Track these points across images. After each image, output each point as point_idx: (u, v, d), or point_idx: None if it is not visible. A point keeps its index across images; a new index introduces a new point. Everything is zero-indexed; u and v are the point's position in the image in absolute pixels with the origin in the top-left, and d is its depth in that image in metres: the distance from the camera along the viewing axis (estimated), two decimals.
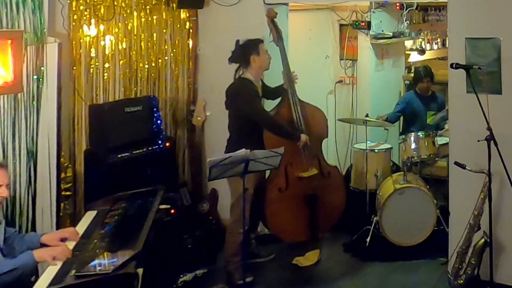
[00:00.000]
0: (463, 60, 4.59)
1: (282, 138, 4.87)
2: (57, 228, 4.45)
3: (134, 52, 5.39)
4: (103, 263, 3.19)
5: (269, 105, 5.32)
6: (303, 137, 5.03)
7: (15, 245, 3.62)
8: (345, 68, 6.85)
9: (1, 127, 4.29)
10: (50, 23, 4.56)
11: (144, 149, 5.03)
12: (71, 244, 3.57)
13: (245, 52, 4.98)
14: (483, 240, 4.47)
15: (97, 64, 5.06)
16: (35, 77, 4.44)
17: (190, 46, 5.95)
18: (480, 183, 4.43)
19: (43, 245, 3.57)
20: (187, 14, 5.88)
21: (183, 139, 5.94)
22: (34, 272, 3.44)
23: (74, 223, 4.36)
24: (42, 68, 4.48)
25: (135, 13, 5.38)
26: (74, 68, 4.90)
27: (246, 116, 4.88)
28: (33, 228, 4.45)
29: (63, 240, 3.63)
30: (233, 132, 4.99)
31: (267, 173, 5.15)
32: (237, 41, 5.06)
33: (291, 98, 5.14)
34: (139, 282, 3.23)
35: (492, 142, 4.25)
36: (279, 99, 5.27)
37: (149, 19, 5.52)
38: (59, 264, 3.30)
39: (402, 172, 5.65)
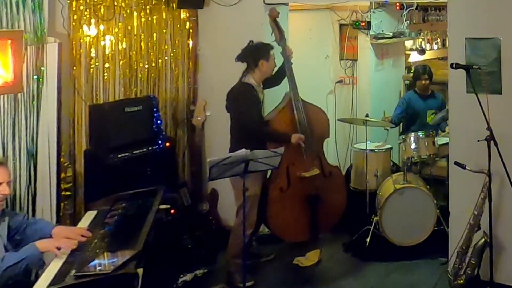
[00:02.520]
0: (463, 60, 4.59)
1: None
2: None
3: (134, 52, 5.39)
4: (103, 263, 3.19)
5: (271, 104, 5.33)
6: (294, 137, 5.01)
7: (28, 231, 3.62)
8: (345, 68, 6.85)
9: (1, 127, 4.29)
10: (50, 23, 4.56)
11: (144, 149, 5.03)
12: None
13: (256, 54, 4.98)
14: (483, 240, 4.47)
15: (97, 64, 5.06)
16: (35, 77, 4.44)
17: (190, 46, 5.95)
18: (480, 183, 4.43)
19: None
20: (187, 14, 5.88)
21: (183, 139, 5.94)
22: (40, 263, 3.43)
23: (74, 223, 4.36)
24: (42, 68, 4.47)
25: (135, 13, 5.37)
26: (74, 68, 4.90)
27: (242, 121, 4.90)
28: None
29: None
30: (234, 134, 4.99)
31: (269, 173, 5.15)
32: (251, 41, 5.07)
33: (293, 98, 5.14)
34: (139, 282, 3.23)
35: (492, 142, 4.25)
36: (280, 100, 5.27)
37: (149, 19, 5.51)
38: (63, 258, 3.31)
39: (402, 172, 5.64)
